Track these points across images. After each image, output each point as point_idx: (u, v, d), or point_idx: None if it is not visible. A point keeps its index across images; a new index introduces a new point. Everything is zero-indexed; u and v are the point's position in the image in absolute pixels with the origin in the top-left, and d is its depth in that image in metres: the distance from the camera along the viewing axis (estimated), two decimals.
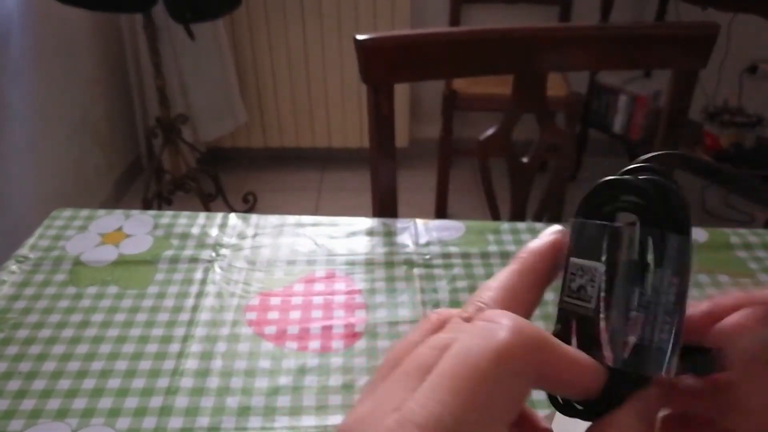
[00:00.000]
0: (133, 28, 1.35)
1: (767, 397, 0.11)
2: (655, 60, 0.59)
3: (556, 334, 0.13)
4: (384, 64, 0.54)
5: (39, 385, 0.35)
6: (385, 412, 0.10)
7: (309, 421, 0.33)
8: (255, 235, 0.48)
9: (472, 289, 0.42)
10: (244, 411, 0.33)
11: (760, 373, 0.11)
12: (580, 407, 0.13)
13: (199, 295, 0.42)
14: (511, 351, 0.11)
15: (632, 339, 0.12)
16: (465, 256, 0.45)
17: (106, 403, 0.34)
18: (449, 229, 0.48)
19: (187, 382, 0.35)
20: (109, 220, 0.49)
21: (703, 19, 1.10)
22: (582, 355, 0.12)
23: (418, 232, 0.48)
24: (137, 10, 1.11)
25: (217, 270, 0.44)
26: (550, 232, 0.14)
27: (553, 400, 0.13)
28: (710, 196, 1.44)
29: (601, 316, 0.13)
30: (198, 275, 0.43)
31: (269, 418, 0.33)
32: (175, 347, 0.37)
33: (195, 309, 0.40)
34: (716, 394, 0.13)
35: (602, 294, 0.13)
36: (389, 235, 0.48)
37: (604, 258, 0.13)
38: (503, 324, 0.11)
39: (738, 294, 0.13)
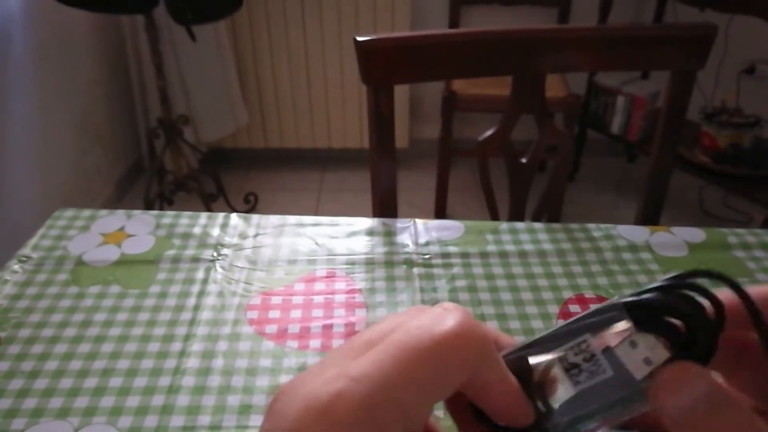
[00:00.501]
0: (135, 29, 1.36)
1: None
2: (653, 61, 0.59)
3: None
4: (384, 65, 0.54)
5: (41, 384, 0.35)
6: (324, 372, 0.11)
7: None
8: (256, 235, 0.48)
9: (471, 288, 0.43)
10: (245, 409, 0.33)
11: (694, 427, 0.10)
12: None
13: (201, 294, 0.42)
14: (452, 341, 0.11)
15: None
16: (464, 255, 0.46)
17: (107, 401, 0.34)
18: (449, 228, 0.48)
19: (188, 381, 0.35)
20: (111, 220, 0.50)
21: (701, 20, 1.10)
22: (515, 383, 0.12)
23: (418, 232, 0.48)
24: (139, 11, 1.11)
25: (219, 269, 0.44)
26: None
27: (477, 413, 0.13)
28: (708, 196, 1.44)
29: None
30: (199, 275, 0.44)
31: None
32: (176, 346, 0.37)
33: (196, 308, 0.41)
34: None
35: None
36: (389, 234, 0.48)
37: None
38: (455, 315, 0.12)
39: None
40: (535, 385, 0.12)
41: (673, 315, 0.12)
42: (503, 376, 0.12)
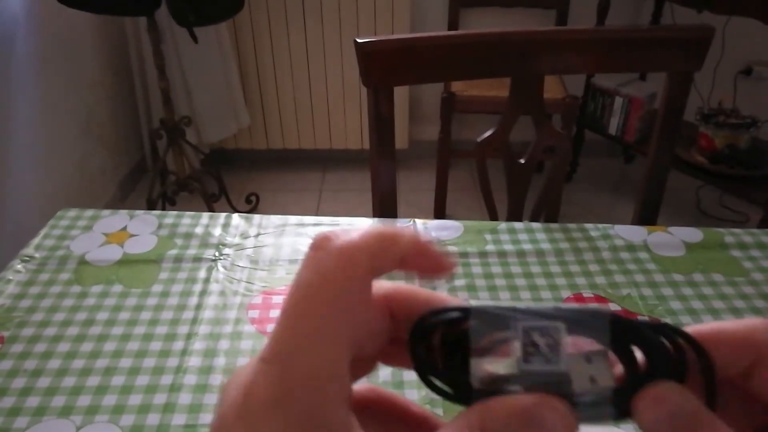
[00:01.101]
0: (137, 31, 1.36)
1: None
2: (650, 62, 0.60)
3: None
4: (384, 66, 0.54)
5: (44, 382, 0.35)
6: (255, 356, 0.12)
7: None
8: (258, 235, 0.48)
9: (470, 287, 0.43)
10: None
11: None
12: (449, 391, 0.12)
13: (203, 293, 0.42)
14: (332, 276, 0.11)
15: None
16: (463, 255, 0.46)
17: (110, 400, 0.34)
18: (448, 228, 0.49)
19: (190, 380, 0.35)
20: (114, 220, 0.50)
21: (698, 22, 1.11)
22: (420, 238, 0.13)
23: (418, 232, 0.49)
24: (141, 13, 1.12)
25: (221, 269, 0.45)
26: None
27: (426, 382, 0.12)
28: (705, 196, 1.45)
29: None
30: (201, 274, 0.44)
31: None
32: (178, 345, 0.38)
33: (198, 307, 0.41)
34: None
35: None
36: None
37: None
38: (328, 248, 0.12)
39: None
40: (480, 348, 0.12)
41: (643, 347, 0.12)
42: (413, 241, 0.13)
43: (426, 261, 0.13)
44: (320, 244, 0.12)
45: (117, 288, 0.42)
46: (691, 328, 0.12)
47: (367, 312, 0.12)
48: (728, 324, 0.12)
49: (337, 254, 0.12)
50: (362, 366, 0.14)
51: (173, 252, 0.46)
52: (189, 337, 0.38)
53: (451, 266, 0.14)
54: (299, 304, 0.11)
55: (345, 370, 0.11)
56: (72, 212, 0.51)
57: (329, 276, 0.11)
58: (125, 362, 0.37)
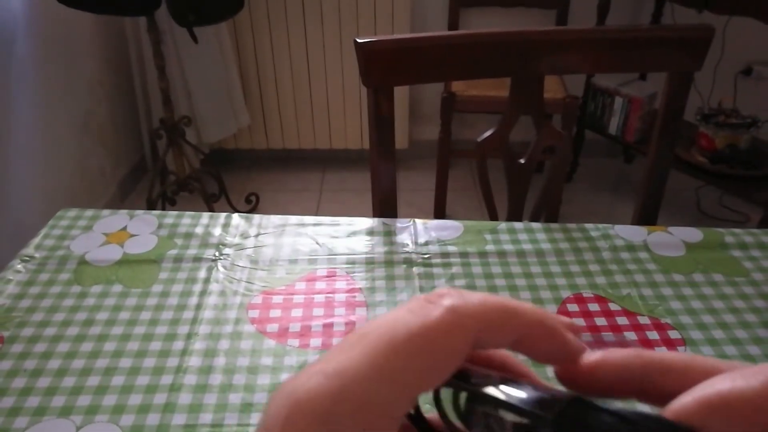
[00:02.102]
0: (137, 31, 1.36)
1: None
2: (650, 62, 0.60)
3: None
4: (384, 66, 0.54)
5: (44, 382, 0.35)
6: (311, 369, 0.11)
7: None
8: (257, 235, 0.48)
9: (470, 287, 0.43)
10: (246, 408, 0.34)
11: None
12: None
13: (203, 293, 0.42)
14: (434, 330, 0.11)
15: None
16: (463, 255, 0.46)
17: (110, 400, 0.34)
18: (448, 228, 0.49)
19: (190, 379, 0.35)
20: (114, 220, 0.50)
21: (699, 21, 1.11)
22: (545, 314, 0.12)
23: (418, 232, 0.49)
24: (141, 13, 1.12)
25: (221, 269, 0.45)
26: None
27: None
28: (705, 196, 1.45)
29: None
30: (201, 274, 0.44)
31: None
32: (178, 345, 0.38)
33: (198, 307, 0.41)
34: None
35: None
36: (389, 234, 0.49)
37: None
38: (441, 304, 0.11)
39: (626, 353, 0.12)
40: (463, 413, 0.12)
41: None
42: (534, 320, 0.12)
43: (549, 346, 0.12)
44: (435, 299, 0.11)
45: (117, 288, 0.42)
46: (695, 395, 0.10)
47: (447, 375, 0.12)
48: (738, 387, 0.09)
49: (448, 313, 0.11)
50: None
51: (173, 252, 0.46)
52: (189, 337, 0.38)
53: (579, 352, 0.12)
54: (387, 340, 0.11)
55: (397, 417, 0.11)
56: (72, 212, 0.51)
57: (431, 329, 0.11)
58: (125, 362, 0.37)
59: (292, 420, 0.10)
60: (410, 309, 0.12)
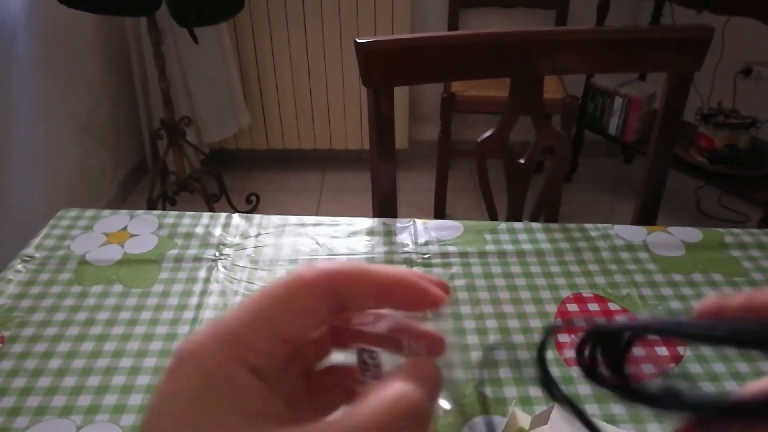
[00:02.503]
0: (138, 31, 1.36)
1: None
2: (650, 63, 0.60)
3: None
4: (384, 67, 0.54)
5: (44, 382, 0.35)
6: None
7: None
8: (258, 235, 0.48)
9: (470, 287, 0.43)
10: None
11: None
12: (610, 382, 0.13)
13: (203, 293, 0.42)
14: (298, 283, 0.13)
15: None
16: (463, 255, 0.46)
17: (110, 399, 0.34)
18: (448, 228, 0.49)
19: None
20: (114, 220, 0.50)
21: (698, 22, 1.11)
22: (382, 268, 0.14)
23: (418, 232, 0.49)
24: (142, 13, 1.12)
25: (221, 269, 0.45)
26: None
27: (586, 370, 0.14)
28: (705, 196, 1.45)
29: None
30: (202, 274, 0.44)
31: None
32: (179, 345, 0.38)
33: (199, 307, 0.41)
34: None
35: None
36: (389, 234, 0.49)
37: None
38: (309, 266, 0.14)
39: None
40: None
41: None
42: (385, 275, 0.14)
43: (409, 295, 0.14)
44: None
45: (117, 288, 0.42)
46: None
47: (311, 319, 0.14)
48: None
49: (308, 270, 0.14)
50: (311, 349, 0.15)
51: (173, 252, 0.46)
52: None
53: (441, 299, 0.14)
54: (261, 292, 0.13)
55: (266, 351, 0.13)
56: (72, 212, 0.51)
57: (292, 281, 0.13)
58: (125, 362, 0.37)
59: (173, 364, 0.12)
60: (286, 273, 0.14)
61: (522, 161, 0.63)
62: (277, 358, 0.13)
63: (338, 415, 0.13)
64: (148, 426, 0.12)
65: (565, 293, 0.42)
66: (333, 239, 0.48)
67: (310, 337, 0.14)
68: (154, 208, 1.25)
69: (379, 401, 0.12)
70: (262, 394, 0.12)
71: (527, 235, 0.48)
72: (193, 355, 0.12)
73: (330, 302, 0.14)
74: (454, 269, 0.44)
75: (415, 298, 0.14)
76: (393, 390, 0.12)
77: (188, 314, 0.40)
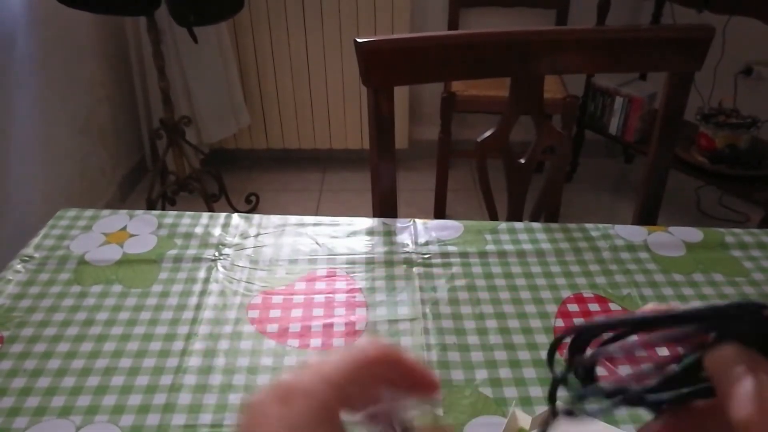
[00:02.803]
0: (137, 31, 1.36)
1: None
2: (650, 62, 0.60)
3: None
4: (384, 66, 0.54)
5: (44, 382, 0.35)
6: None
7: None
8: (257, 235, 0.48)
9: (470, 287, 0.43)
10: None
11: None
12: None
13: (203, 293, 0.42)
14: (368, 356, 0.16)
15: None
16: (463, 255, 0.46)
17: (110, 400, 0.34)
18: (448, 228, 0.49)
19: (190, 380, 0.35)
20: (114, 220, 0.50)
21: (699, 21, 1.11)
22: (421, 367, 0.16)
23: (418, 232, 0.49)
24: (141, 13, 1.12)
25: (220, 269, 0.45)
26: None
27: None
28: (705, 196, 1.45)
29: None
30: (201, 274, 0.44)
31: None
32: (178, 345, 0.38)
33: (198, 307, 0.41)
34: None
35: None
36: (389, 234, 0.49)
37: None
38: (370, 342, 0.17)
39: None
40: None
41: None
42: (413, 366, 0.16)
43: (409, 381, 0.16)
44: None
45: (117, 288, 0.42)
46: None
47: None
48: None
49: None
50: None
51: (173, 252, 0.46)
52: (189, 337, 0.38)
53: (434, 387, 0.17)
54: (351, 360, 0.15)
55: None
56: (72, 212, 0.51)
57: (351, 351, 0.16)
58: (125, 362, 0.37)
59: (284, 391, 0.14)
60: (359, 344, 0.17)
61: (522, 161, 0.62)
62: (364, 400, 0.15)
63: None
64: None
65: (566, 293, 0.42)
66: (333, 239, 0.48)
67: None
68: (154, 208, 1.25)
69: None
70: None
71: (528, 235, 0.48)
72: (306, 390, 0.14)
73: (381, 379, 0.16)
74: (455, 269, 0.44)
75: (430, 387, 0.17)
76: None
77: (187, 314, 0.40)
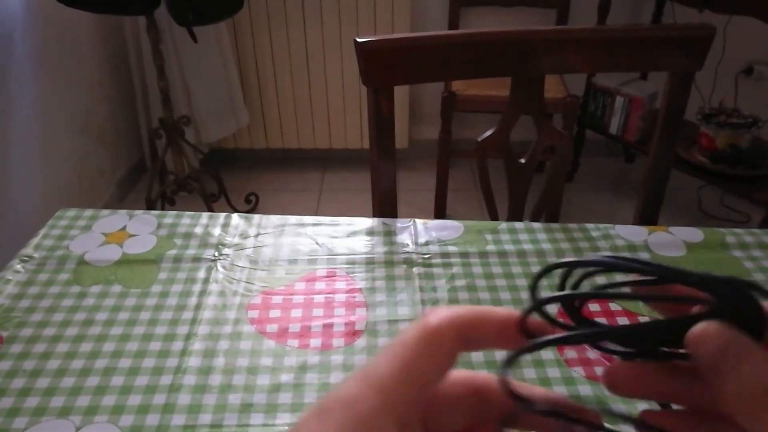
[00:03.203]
0: (137, 30, 1.36)
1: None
2: (651, 62, 0.60)
3: None
4: (384, 66, 0.54)
5: (43, 382, 0.35)
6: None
7: None
8: (257, 235, 0.48)
9: (470, 287, 0.43)
10: (246, 408, 0.34)
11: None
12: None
13: (202, 293, 0.42)
14: (432, 330, 0.14)
15: None
16: (463, 255, 0.46)
17: (109, 400, 0.34)
18: (448, 228, 0.49)
19: (189, 380, 0.35)
20: (113, 219, 0.50)
21: (699, 21, 1.11)
22: (497, 310, 0.15)
23: (418, 232, 0.49)
24: (140, 12, 1.11)
25: (220, 269, 0.44)
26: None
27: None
28: (706, 196, 1.44)
29: None
30: (201, 274, 0.44)
31: (271, 415, 0.33)
32: (178, 345, 0.38)
33: (198, 307, 0.41)
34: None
35: None
36: (389, 234, 0.49)
37: None
38: (432, 313, 0.15)
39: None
40: None
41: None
42: (488, 316, 0.14)
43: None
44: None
45: (116, 288, 0.42)
46: None
47: (439, 382, 0.14)
48: None
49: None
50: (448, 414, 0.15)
51: (172, 252, 0.46)
52: (188, 337, 0.38)
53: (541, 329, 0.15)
54: (403, 346, 0.14)
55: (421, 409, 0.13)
56: (71, 212, 0.51)
57: (407, 332, 0.14)
58: (125, 362, 0.36)
59: (324, 407, 0.13)
60: (412, 324, 0.15)
61: (523, 161, 0.62)
62: (419, 408, 0.13)
63: None
64: None
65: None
66: (333, 239, 0.48)
67: (441, 387, 0.14)
68: (153, 208, 1.25)
69: None
70: None
71: (528, 235, 0.48)
72: (347, 403, 0.13)
73: (457, 346, 0.14)
74: (455, 269, 0.44)
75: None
76: None
77: (187, 315, 0.40)
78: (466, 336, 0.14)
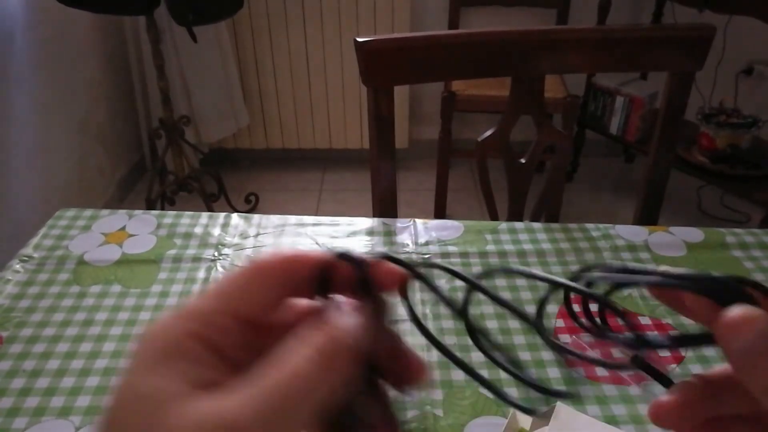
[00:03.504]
0: (137, 30, 1.36)
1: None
2: (651, 62, 0.60)
3: None
4: (384, 66, 0.54)
5: (43, 383, 0.35)
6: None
7: None
8: (257, 235, 0.48)
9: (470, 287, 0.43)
10: None
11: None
12: None
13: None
14: (256, 264, 0.15)
15: None
16: (463, 255, 0.46)
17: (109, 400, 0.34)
18: (448, 228, 0.49)
19: None
20: (113, 219, 0.50)
21: (700, 21, 1.11)
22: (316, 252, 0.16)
23: (418, 232, 0.49)
24: (140, 12, 1.11)
25: (220, 269, 0.44)
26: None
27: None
28: (706, 196, 1.44)
29: None
30: (201, 274, 0.44)
31: None
32: None
33: None
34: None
35: None
36: (389, 234, 0.48)
37: None
38: (272, 252, 0.16)
39: None
40: None
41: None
42: (300, 256, 0.15)
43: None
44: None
45: (116, 288, 0.42)
46: None
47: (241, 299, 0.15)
48: None
49: (252, 260, 0.15)
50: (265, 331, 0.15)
51: (172, 252, 0.46)
52: None
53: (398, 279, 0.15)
54: (224, 280, 0.15)
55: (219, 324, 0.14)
56: (71, 212, 0.50)
57: (237, 269, 0.15)
58: (125, 363, 0.36)
59: (138, 345, 0.13)
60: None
61: (523, 161, 0.62)
62: (234, 334, 0.14)
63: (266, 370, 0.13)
64: (112, 400, 0.13)
65: None
66: (333, 239, 0.48)
67: (268, 318, 0.15)
68: (153, 208, 1.25)
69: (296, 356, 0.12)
70: (215, 366, 0.13)
71: (528, 235, 0.48)
72: (155, 335, 0.13)
73: (284, 285, 0.15)
74: (455, 269, 0.44)
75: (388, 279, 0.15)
76: (313, 339, 0.13)
77: None
78: (294, 276, 0.15)
